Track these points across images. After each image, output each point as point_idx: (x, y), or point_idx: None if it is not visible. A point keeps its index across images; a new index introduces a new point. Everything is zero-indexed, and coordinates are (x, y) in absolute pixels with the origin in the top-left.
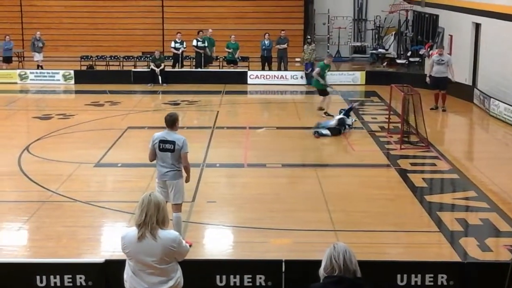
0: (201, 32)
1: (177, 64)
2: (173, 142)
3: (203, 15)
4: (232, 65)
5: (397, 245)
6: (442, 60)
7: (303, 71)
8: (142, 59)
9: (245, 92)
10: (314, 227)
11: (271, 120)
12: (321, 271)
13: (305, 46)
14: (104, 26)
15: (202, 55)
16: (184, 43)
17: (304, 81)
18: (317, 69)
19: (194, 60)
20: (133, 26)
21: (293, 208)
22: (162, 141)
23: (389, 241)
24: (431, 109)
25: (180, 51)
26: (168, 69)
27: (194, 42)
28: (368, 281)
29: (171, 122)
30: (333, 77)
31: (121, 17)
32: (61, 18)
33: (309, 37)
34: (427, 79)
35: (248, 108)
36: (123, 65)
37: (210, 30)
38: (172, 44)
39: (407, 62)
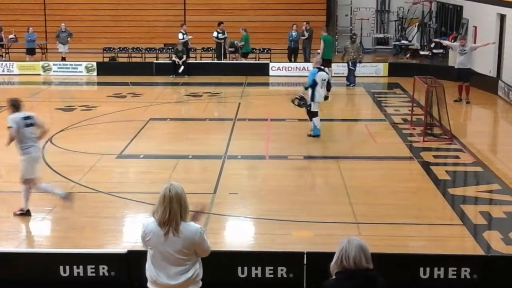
0: (222, 24)
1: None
2: (31, 117)
3: (225, 6)
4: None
5: (419, 238)
6: (464, 50)
7: (347, 66)
8: (164, 51)
9: (266, 84)
10: (336, 219)
11: (293, 111)
12: (333, 266)
13: (348, 43)
14: (127, 18)
15: (222, 46)
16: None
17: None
18: (322, 43)
19: (215, 51)
20: (155, 18)
21: (315, 200)
22: (25, 118)
23: (412, 234)
24: (455, 101)
25: (187, 38)
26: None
27: (215, 34)
28: (389, 273)
29: (21, 104)
30: (356, 69)
31: (143, 9)
32: (84, 10)
33: (354, 35)
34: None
35: (270, 100)
36: (145, 57)
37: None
38: (180, 36)
39: (430, 54)
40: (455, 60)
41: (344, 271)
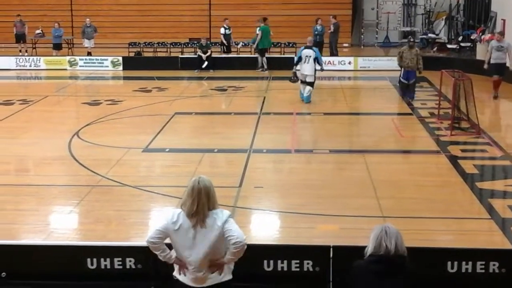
0: (266, 20)
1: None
2: None
3: (250, 1)
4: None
5: (447, 232)
6: (502, 47)
7: (400, 77)
8: (189, 45)
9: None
10: (362, 213)
11: (318, 105)
12: (369, 248)
13: (405, 47)
14: (152, 13)
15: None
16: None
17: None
18: (260, 33)
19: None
20: (180, 12)
21: (341, 194)
22: None
23: (439, 228)
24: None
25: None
26: (217, 55)
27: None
28: (416, 267)
29: None
30: (381, 62)
31: (168, 4)
32: (110, 5)
33: (411, 38)
34: (485, 66)
35: (295, 94)
36: (170, 52)
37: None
38: (222, 31)
39: (458, 47)
40: (482, 53)
41: (377, 254)
